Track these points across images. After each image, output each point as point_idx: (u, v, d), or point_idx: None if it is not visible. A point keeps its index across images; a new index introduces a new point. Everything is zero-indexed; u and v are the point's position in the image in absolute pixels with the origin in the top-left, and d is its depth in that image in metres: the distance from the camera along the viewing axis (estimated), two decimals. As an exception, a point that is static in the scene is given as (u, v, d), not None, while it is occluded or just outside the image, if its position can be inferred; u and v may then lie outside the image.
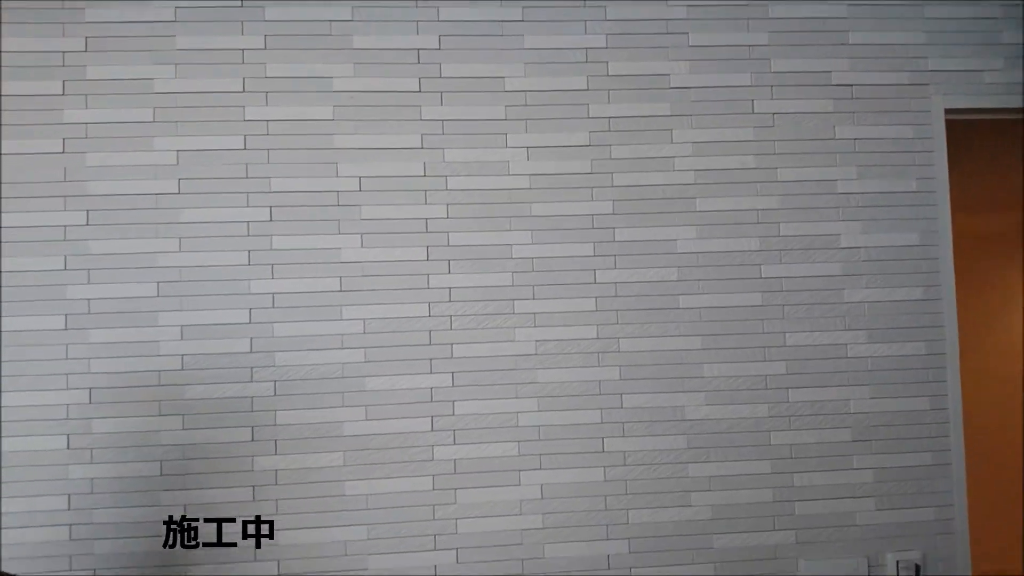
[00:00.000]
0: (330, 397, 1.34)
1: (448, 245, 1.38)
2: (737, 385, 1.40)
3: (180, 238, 1.34)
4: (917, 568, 1.39)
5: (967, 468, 1.43)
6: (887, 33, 1.45)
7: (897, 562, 1.39)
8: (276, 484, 1.32)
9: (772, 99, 1.43)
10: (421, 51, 1.41)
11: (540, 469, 1.37)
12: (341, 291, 1.36)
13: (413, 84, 1.40)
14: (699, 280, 1.41)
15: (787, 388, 1.40)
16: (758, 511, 1.38)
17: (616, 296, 1.40)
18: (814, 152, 1.42)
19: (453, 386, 1.37)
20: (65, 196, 1.33)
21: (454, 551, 1.34)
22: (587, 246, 1.40)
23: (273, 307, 1.34)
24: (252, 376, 1.33)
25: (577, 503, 1.36)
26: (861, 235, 1.42)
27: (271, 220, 1.35)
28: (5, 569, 1.14)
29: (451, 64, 1.40)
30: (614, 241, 1.40)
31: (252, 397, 1.33)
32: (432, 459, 1.35)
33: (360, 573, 1.31)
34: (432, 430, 1.36)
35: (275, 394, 1.33)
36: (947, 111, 1.45)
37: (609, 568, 1.35)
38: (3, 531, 1.27)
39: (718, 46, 1.44)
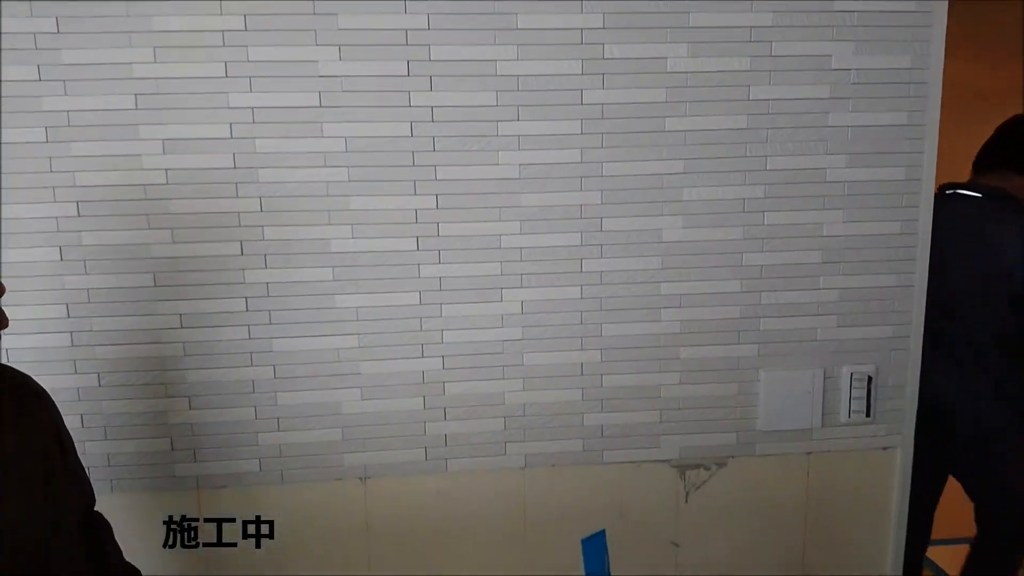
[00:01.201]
0: (316, 215, 1.41)
1: (430, 60, 1.38)
2: (714, 208, 1.47)
3: (155, 47, 1.33)
4: (869, 380, 1.56)
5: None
6: None
7: (851, 374, 1.55)
8: (268, 296, 1.42)
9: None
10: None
11: (521, 287, 1.48)
12: (321, 107, 1.38)
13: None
14: (687, 102, 1.43)
15: (763, 211, 1.48)
16: (724, 326, 1.51)
17: (602, 118, 1.43)
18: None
19: (437, 208, 1.43)
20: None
21: (440, 358, 1.48)
22: (575, 63, 1.41)
23: (254, 123, 1.37)
24: (237, 192, 1.39)
25: (555, 318, 1.49)
26: (853, 56, 1.43)
27: (245, 29, 1.34)
28: None
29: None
30: (603, 58, 1.41)
31: (239, 212, 1.39)
32: (419, 276, 1.45)
33: (354, 375, 1.46)
34: (418, 249, 1.44)
35: (261, 210, 1.40)
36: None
37: (582, 374, 1.50)
38: (10, 337, 1.38)
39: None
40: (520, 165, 1.44)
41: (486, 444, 1.51)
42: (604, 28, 1.40)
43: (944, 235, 1.61)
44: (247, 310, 1.43)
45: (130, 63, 1.34)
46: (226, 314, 1.43)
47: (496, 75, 1.41)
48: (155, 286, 1.41)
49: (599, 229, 1.47)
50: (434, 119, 1.41)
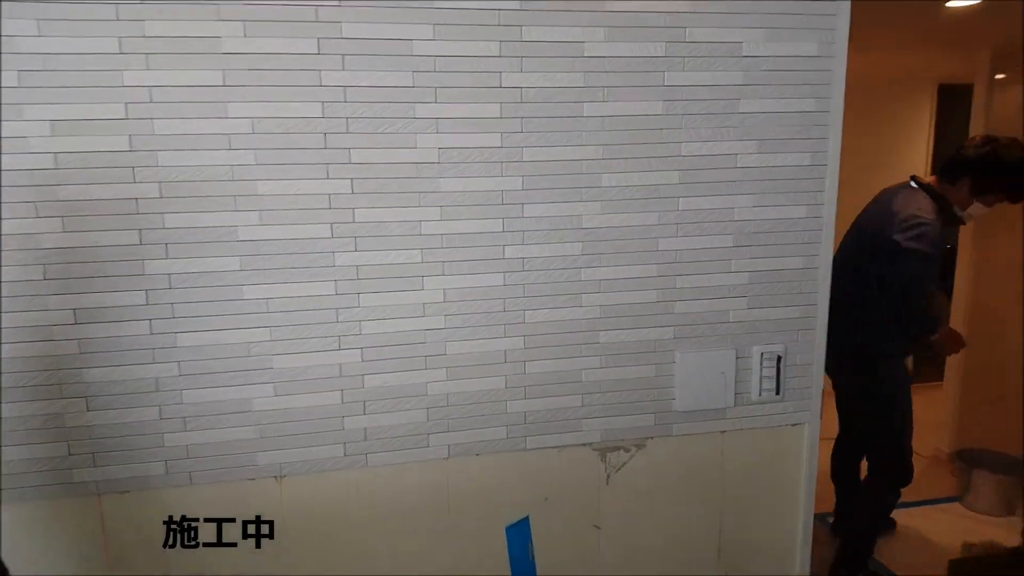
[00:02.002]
0: (221, 200, 1.36)
1: (342, 37, 1.36)
2: (632, 194, 1.52)
3: (38, 20, 1.24)
4: (779, 359, 1.66)
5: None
6: None
7: (761, 353, 1.65)
8: (170, 288, 1.37)
9: None
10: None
11: (443, 275, 1.48)
12: (225, 86, 1.33)
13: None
14: (604, 87, 1.47)
15: (678, 197, 1.54)
16: (642, 310, 1.57)
17: (521, 102, 1.45)
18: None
19: (352, 193, 1.41)
20: None
21: (359, 350, 1.47)
22: (493, 44, 1.41)
23: (151, 102, 1.31)
24: (135, 176, 1.32)
25: (477, 305, 1.50)
26: (764, 43, 1.51)
27: (142, 2, 1.27)
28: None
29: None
30: (521, 40, 1.42)
31: (136, 199, 1.33)
32: (334, 264, 1.43)
33: (266, 370, 1.43)
34: (332, 236, 1.42)
35: (161, 196, 1.34)
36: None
37: (505, 361, 1.53)
38: None
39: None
40: (439, 149, 1.44)
41: (408, 436, 1.52)
42: (522, 10, 1.41)
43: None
44: (148, 303, 1.37)
45: (14, 36, 1.24)
46: (125, 308, 1.36)
47: (412, 55, 1.40)
48: (45, 279, 1.32)
49: (521, 215, 1.50)
50: (347, 99, 1.39)
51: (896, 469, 2.39)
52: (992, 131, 3.50)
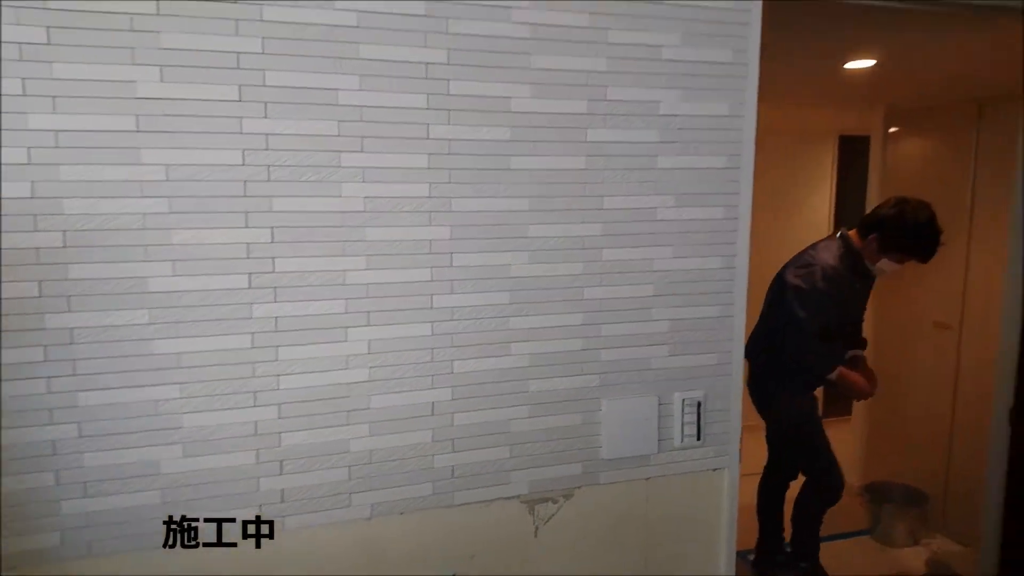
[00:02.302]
0: (130, 250, 1.31)
1: (264, 85, 1.35)
2: (558, 245, 1.57)
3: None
4: (699, 404, 1.72)
5: (747, 322, 1.76)
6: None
7: (682, 400, 1.71)
8: (72, 343, 1.29)
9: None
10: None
11: (368, 326, 1.47)
12: (138, 131, 1.29)
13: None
14: (530, 141, 1.52)
15: (601, 248, 1.59)
16: (569, 358, 1.60)
17: (449, 154, 1.47)
18: (642, 15, 1.54)
19: (272, 241, 1.39)
20: None
21: (276, 407, 1.42)
22: (420, 97, 1.44)
23: (57, 147, 1.25)
24: (36, 224, 1.25)
25: (404, 356, 1.49)
26: (679, 103, 1.60)
27: (48, 43, 1.23)
28: None
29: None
30: (448, 94, 1.45)
31: (38, 248, 1.26)
32: (251, 316, 1.39)
33: (175, 430, 1.36)
34: (250, 287, 1.39)
35: (65, 245, 1.27)
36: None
37: (432, 414, 1.52)
38: None
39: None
40: (365, 198, 1.44)
41: (328, 496, 1.47)
42: (449, 64, 1.45)
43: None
44: (46, 360, 1.28)
45: None
46: (20, 365, 1.27)
47: (338, 104, 1.40)
48: (-79, 335, 1.23)
49: (449, 264, 1.51)
50: (269, 147, 1.37)
51: (826, 484, 2.49)
52: (889, 178, 3.82)
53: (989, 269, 3.06)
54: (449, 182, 1.48)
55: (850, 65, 2.76)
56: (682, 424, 1.71)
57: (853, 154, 4.60)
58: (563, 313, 1.59)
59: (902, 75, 3.01)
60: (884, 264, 2.28)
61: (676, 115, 1.60)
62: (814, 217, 4.71)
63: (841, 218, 4.71)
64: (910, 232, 2.20)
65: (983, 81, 3.01)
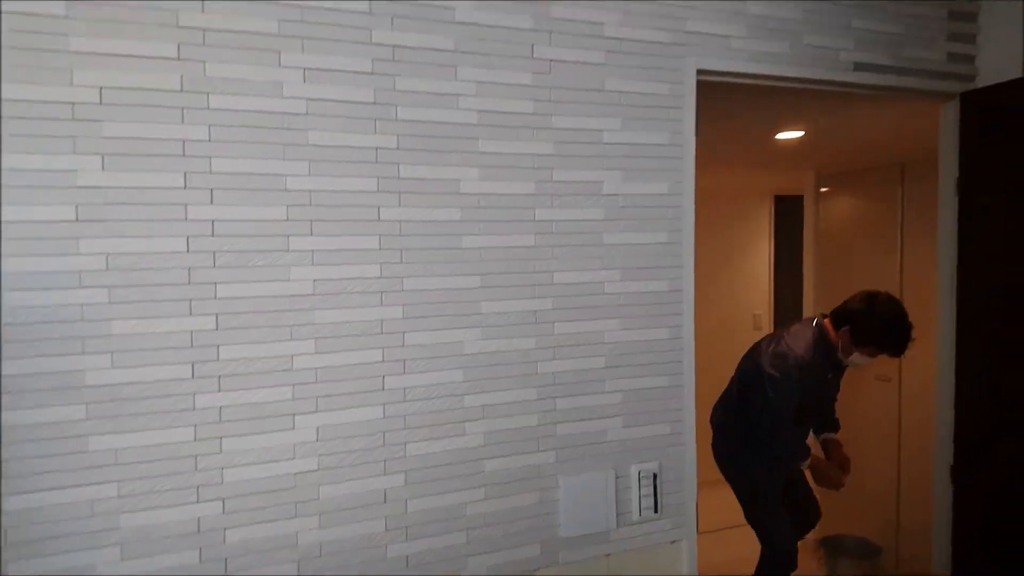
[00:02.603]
0: (66, 343, 1.27)
1: (210, 172, 1.35)
2: (510, 320, 1.58)
3: None
4: (655, 476, 1.74)
5: (697, 389, 1.80)
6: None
7: (639, 472, 1.72)
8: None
9: (550, 45, 1.58)
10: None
11: (316, 412, 1.44)
12: (77, 221, 1.26)
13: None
14: (481, 221, 1.55)
15: (553, 322, 1.62)
16: (525, 435, 1.60)
17: (400, 235, 1.48)
18: (584, 102, 1.62)
19: (217, 329, 1.36)
20: None
21: (220, 502, 1.37)
22: (370, 180, 1.46)
23: (-15, 238, 1.21)
24: (-40, 320, 1.20)
25: (355, 442, 1.47)
26: (622, 183, 1.66)
27: (-21, 133, 1.21)
28: None
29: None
30: (399, 177, 1.48)
31: (-39, 345, 1.20)
32: (193, 408, 1.35)
33: (112, 531, 1.29)
34: (193, 377, 1.35)
35: (-7, 341, 1.22)
36: (699, 71, 1.72)
37: (385, 501, 1.48)
38: None
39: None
40: (315, 280, 1.44)
41: (277, 592, 1.41)
42: (399, 149, 1.48)
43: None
44: (-33, 464, 1.21)
45: None
46: (-64, 471, 1.20)
47: (286, 190, 1.41)
48: None
49: (401, 344, 1.50)
50: (215, 233, 1.36)
51: (779, 559, 2.48)
52: (822, 234, 3.99)
53: (922, 320, 3.23)
54: (401, 262, 1.50)
55: (781, 135, 2.93)
56: (639, 496, 1.71)
57: (789, 212, 4.83)
58: (517, 388, 1.60)
59: (828, 144, 3.21)
60: (856, 357, 2.26)
61: (619, 194, 1.67)
62: (756, 272, 4.89)
63: (780, 273, 4.90)
64: (880, 328, 2.18)
65: (904, 147, 3.24)
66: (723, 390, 2.49)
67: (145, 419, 1.32)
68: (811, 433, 2.52)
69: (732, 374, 2.47)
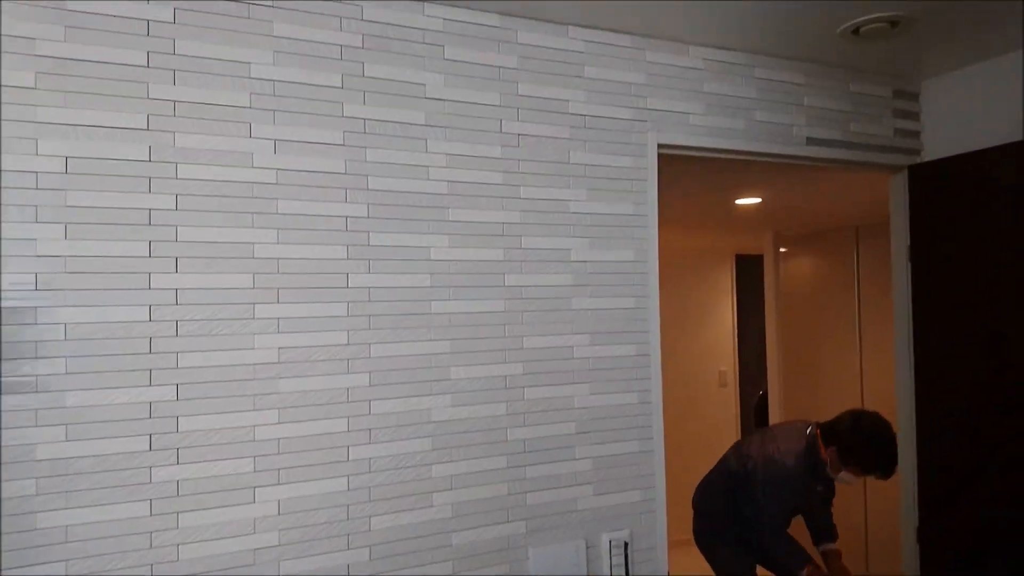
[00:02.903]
0: (20, 415, 1.22)
1: (176, 241, 1.34)
2: (479, 386, 1.58)
3: None
4: (626, 545, 1.72)
5: (666, 451, 1.80)
6: (616, 71, 1.75)
7: (610, 541, 1.70)
8: (-62, 525, 1.17)
9: (518, 120, 1.64)
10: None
11: (278, 484, 1.40)
12: (36, 290, 1.24)
13: (142, 58, 1.33)
14: (450, 287, 1.56)
15: (523, 387, 1.62)
16: (494, 505, 1.58)
17: (369, 301, 1.49)
18: (551, 174, 1.66)
19: (177, 399, 1.34)
20: None
21: (176, 580, 1.31)
22: (340, 248, 1.47)
23: (-62, 309, 1.18)
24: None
25: (318, 515, 1.43)
26: (588, 250, 1.70)
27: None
28: None
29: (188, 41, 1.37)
30: (368, 245, 1.49)
31: (-96, 420, 1.15)
32: (150, 481, 1.31)
33: (56, 618, 1.22)
34: (150, 449, 1.31)
35: (-61, 415, 1.17)
36: (659, 145, 1.79)
37: (349, 577, 1.44)
38: None
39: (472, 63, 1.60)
40: (279, 348, 1.42)
41: None
42: (369, 217, 1.49)
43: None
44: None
45: None
46: None
47: (254, 257, 1.40)
48: None
49: (367, 412, 1.48)
50: (178, 302, 1.35)
51: None
52: (783, 292, 4.09)
53: (881, 377, 3.30)
54: (369, 328, 1.49)
55: (740, 201, 3.04)
56: (611, 566, 1.69)
57: (750, 270, 4.96)
58: (487, 456, 1.58)
59: (785, 209, 3.34)
60: (845, 475, 2.25)
61: (587, 261, 1.70)
62: (720, 329, 4.97)
63: (743, 329, 4.99)
64: (866, 451, 2.17)
65: (857, 212, 3.38)
66: (706, 475, 2.47)
67: (98, 493, 1.27)
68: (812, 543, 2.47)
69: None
